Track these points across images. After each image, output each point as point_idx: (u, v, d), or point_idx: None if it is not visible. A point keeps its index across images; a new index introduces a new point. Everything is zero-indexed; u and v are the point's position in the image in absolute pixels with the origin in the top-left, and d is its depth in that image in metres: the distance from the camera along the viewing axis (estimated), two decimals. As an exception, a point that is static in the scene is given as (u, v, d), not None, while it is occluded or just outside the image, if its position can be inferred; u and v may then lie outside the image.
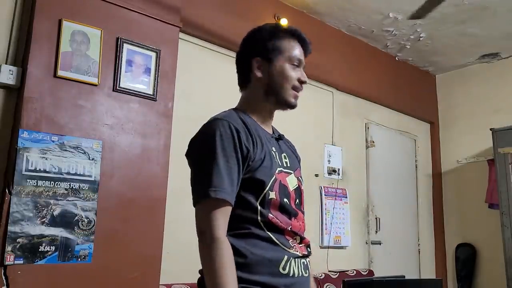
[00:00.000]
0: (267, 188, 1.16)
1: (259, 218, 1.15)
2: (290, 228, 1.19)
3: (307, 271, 1.22)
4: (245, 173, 1.15)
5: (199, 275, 1.20)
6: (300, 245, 1.22)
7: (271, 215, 1.16)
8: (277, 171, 1.20)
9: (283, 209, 1.19)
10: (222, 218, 1.10)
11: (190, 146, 1.22)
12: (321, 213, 3.59)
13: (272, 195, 1.17)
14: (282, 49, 1.26)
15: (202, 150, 1.16)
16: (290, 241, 1.19)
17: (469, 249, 4.42)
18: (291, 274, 1.15)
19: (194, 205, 1.15)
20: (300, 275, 1.18)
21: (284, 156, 1.29)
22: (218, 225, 1.09)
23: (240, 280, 1.08)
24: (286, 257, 1.16)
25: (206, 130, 1.18)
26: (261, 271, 1.11)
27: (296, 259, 1.18)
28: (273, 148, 1.25)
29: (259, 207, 1.15)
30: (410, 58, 4.60)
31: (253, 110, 1.28)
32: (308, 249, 1.26)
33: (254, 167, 1.16)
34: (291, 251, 1.18)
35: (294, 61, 1.27)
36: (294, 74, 1.27)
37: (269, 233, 1.15)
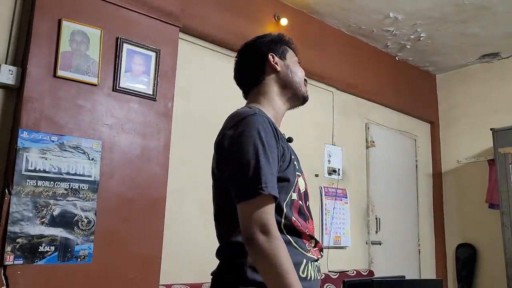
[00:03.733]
0: (292, 190, 1.16)
1: (282, 220, 1.13)
2: (307, 231, 1.18)
3: (319, 273, 1.22)
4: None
5: (211, 276, 1.18)
6: (315, 249, 1.21)
7: (293, 218, 1.15)
8: (297, 174, 1.21)
9: (300, 211, 1.19)
10: (273, 215, 1.07)
11: (229, 140, 1.14)
12: (321, 213, 3.58)
13: (294, 196, 1.17)
14: (289, 51, 1.38)
15: (249, 144, 1.09)
16: (306, 245, 1.18)
17: (470, 249, 4.42)
18: (309, 278, 1.15)
19: (239, 202, 1.07)
20: (316, 278, 1.18)
21: (294, 159, 1.28)
22: (274, 223, 1.06)
23: (261, 285, 1.05)
24: (305, 261, 1.15)
25: (247, 124, 1.12)
26: None
27: (312, 263, 1.18)
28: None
29: (285, 209, 1.13)
30: (410, 58, 4.59)
31: (268, 109, 1.27)
32: (321, 253, 1.25)
33: (284, 168, 1.15)
34: (308, 254, 1.17)
35: (298, 59, 1.38)
36: (302, 69, 1.38)
37: (288, 236, 1.14)
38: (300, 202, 1.20)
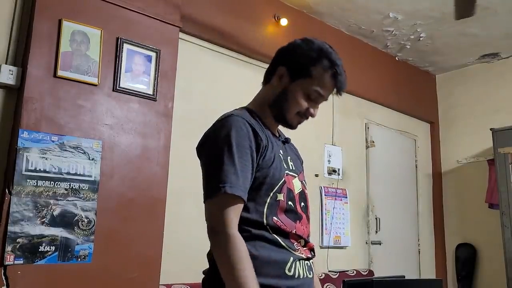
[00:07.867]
0: (275, 190, 1.17)
1: (264, 221, 1.15)
2: (295, 232, 1.19)
3: (311, 272, 1.23)
4: (255, 174, 1.15)
5: (203, 275, 1.19)
6: (304, 248, 1.22)
7: (275, 218, 1.16)
8: (285, 174, 1.21)
9: (289, 211, 1.19)
10: (234, 214, 1.09)
11: (203, 141, 1.20)
12: (321, 213, 3.58)
13: (280, 197, 1.17)
14: (311, 77, 1.24)
15: (216, 145, 1.13)
16: (295, 244, 1.19)
17: (469, 249, 4.42)
18: (296, 276, 1.16)
19: (205, 201, 1.12)
20: (305, 277, 1.19)
21: (290, 159, 1.29)
22: (231, 222, 1.07)
23: None
24: (291, 259, 1.16)
25: (221, 126, 1.16)
26: (267, 272, 1.11)
27: (301, 261, 1.19)
28: (280, 151, 1.25)
29: (265, 211, 1.15)
30: (410, 58, 4.59)
31: (263, 111, 1.28)
32: (312, 252, 1.26)
33: (263, 168, 1.16)
34: (296, 253, 1.18)
35: (312, 94, 1.25)
36: (304, 103, 1.26)
37: (275, 235, 1.15)
38: (291, 202, 1.20)
